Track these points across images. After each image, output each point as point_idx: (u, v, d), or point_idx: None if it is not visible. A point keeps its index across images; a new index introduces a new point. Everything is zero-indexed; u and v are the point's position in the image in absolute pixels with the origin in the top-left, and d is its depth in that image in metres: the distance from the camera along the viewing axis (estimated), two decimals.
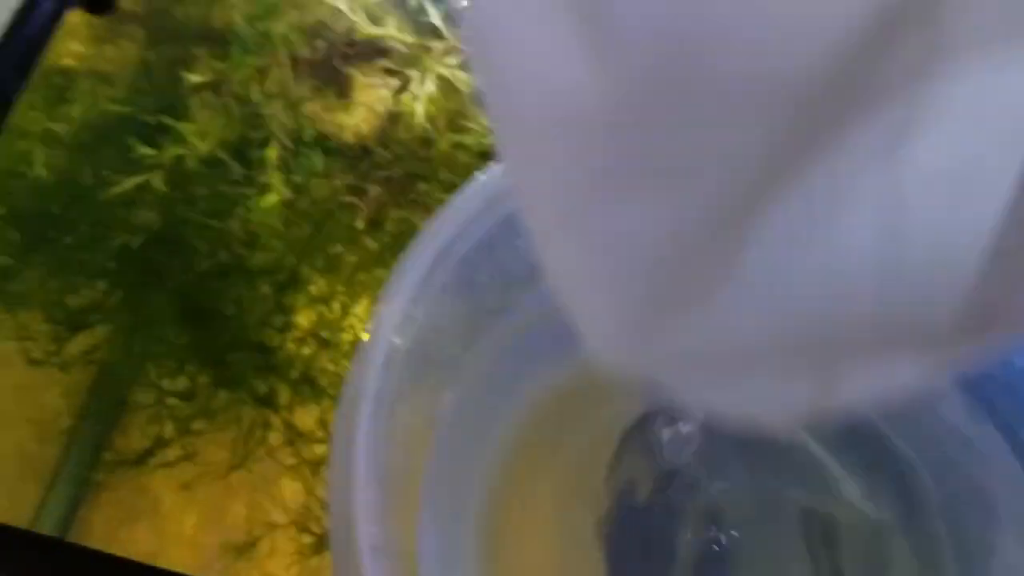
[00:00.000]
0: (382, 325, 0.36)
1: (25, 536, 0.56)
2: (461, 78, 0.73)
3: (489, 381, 0.46)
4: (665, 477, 0.46)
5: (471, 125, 0.75)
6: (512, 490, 0.46)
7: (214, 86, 0.80)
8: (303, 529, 0.69)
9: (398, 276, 0.37)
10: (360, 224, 0.77)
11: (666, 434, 0.44)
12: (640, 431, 0.47)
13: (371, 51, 0.81)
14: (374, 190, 0.75)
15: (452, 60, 0.74)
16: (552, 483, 0.47)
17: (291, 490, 0.71)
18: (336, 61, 0.81)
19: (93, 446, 0.86)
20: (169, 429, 0.74)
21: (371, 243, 0.76)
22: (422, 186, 0.77)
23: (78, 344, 0.73)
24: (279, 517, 0.71)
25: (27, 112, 0.74)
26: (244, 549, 0.70)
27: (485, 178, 0.39)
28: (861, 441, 0.49)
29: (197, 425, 0.74)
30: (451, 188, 0.74)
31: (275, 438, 0.72)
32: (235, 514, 0.83)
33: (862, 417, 0.48)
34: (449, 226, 0.38)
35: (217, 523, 0.84)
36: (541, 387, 0.48)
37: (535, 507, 0.46)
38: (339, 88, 0.81)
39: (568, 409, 0.49)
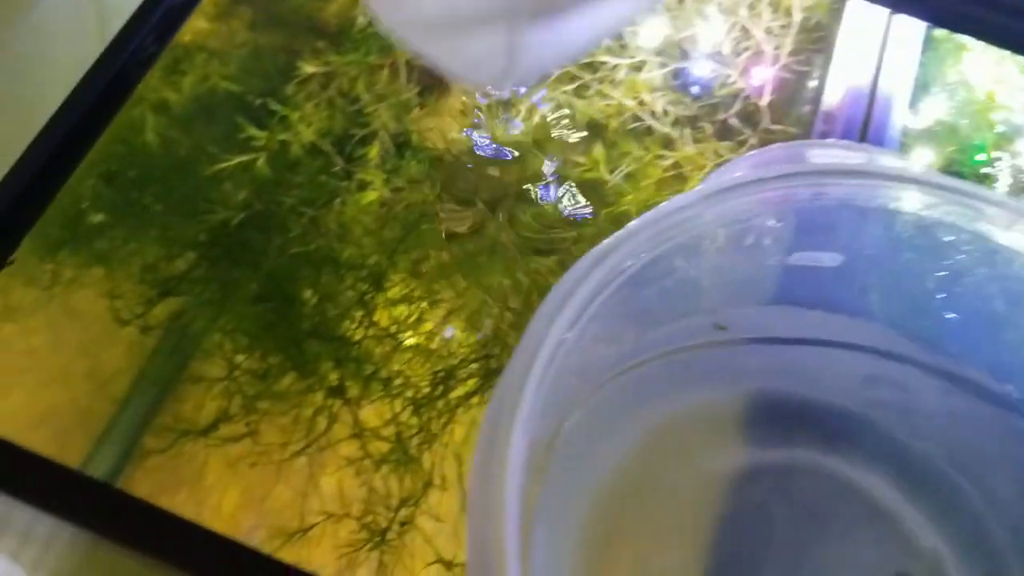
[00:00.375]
0: (540, 346, 0.37)
1: (77, 477, 0.56)
2: (577, 105, 0.75)
3: (608, 408, 0.47)
4: None
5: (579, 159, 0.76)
6: (615, 520, 0.47)
7: (323, 78, 0.81)
8: (361, 523, 0.70)
9: (559, 297, 0.38)
10: (445, 233, 0.78)
11: None
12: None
13: None
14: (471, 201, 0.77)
15: (568, 87, 0.75)
16: (652, 518, 0.48)
17: (349, 483, 0.72)
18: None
19: (148, 409, 0.87)
20: (235, 404, 0.75)
21: (456, 251, 0.78)
22: (511, 203, 0.78)
23: (162, 309, 0.74)
24: (334, 507, 0.71)
25: (144, 80, 0.75)
26: (293, 534, 0.71)
27: (650, 217, 0.40)
28: (933, 490, 0.50)
29: (263, 404, 0.75)
30: (540, 213, 0.76)
31: (341, 430, 0.73)
32: (278, 498, 0.84)
33: (934, 467, 0.50)
34: (611, 258, 0.39)
35: (259, 504, 0.85)
36: (651, 423, 0.49)
37: (634, 540, 0.48)
38: (445, 98, 0.83)
39: (675, 446, 0.50)
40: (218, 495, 0.84)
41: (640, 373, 0.50)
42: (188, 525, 0.59)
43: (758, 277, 0.47)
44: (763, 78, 0.74)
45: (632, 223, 0.41)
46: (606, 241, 0.40)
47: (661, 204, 0.40)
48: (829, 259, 0.47)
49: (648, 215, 0.40)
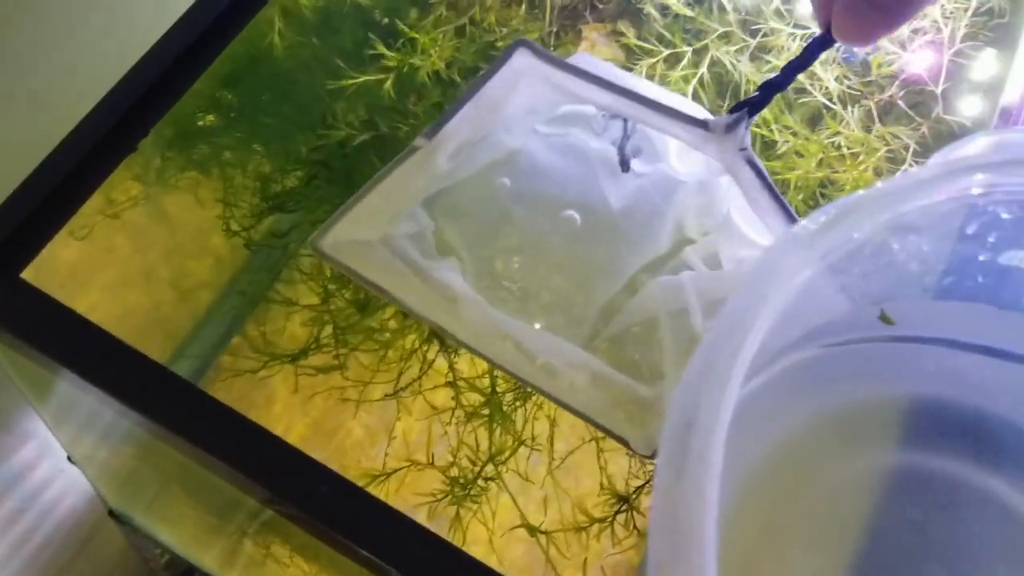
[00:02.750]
0: (755, 313, 0.33)
1: (162, 373, 0.53)
2: (741, 69, 0.70)
3: (765, 397, 0.43)
4: None
5: None
6: (762, 515, 0.44)
7: (453, 4, 0.77)
8: (445, 474, 0.66)
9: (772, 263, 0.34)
10: None
11: None
12: None
13: (623, 10, 0.78)
14: None
15: (730, 47, 0.70)
16: (801, 516, 0.44)
17: (436, 432, 0.69)
18: (587, 11, 0.78)
19: (229, 327, 0.85)
20: (325, 334, 0.72)
21: None
22: None
23: (269, 225, 0.70)
24: (417, 455, 0.68)
25: None
26: (376, 476, 0.68)
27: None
28: None
29: (355, 338, 0.71)
30: None
31: (434, 377, 0.70)
32: (351, 436, 0.81)
33: None
34: (840, 228, 0.35)
35: (329, 440, 0.82)
36: (809, 415, 0.45)
37: (781, 537, 0.44)
38: (580, 41, 0.78)
39: (831, 443, 0.46)
40: (285, 424, 0.81)
41: (807, 360, 0.45)
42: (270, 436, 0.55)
43: (964, 272, 0.43)
44: (935, 62, 0.68)
45: (857, 193, 0.36)
46: (830, 206, 0.36)
47: (898, 175, 0.36)
48: None
49: (880, 186, 0.36)
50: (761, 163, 0.49)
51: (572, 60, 0.58)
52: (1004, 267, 0.43)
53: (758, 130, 0.67)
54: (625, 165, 0.58)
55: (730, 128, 0.48)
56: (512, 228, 0.61)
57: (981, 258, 0.42)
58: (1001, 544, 0.46)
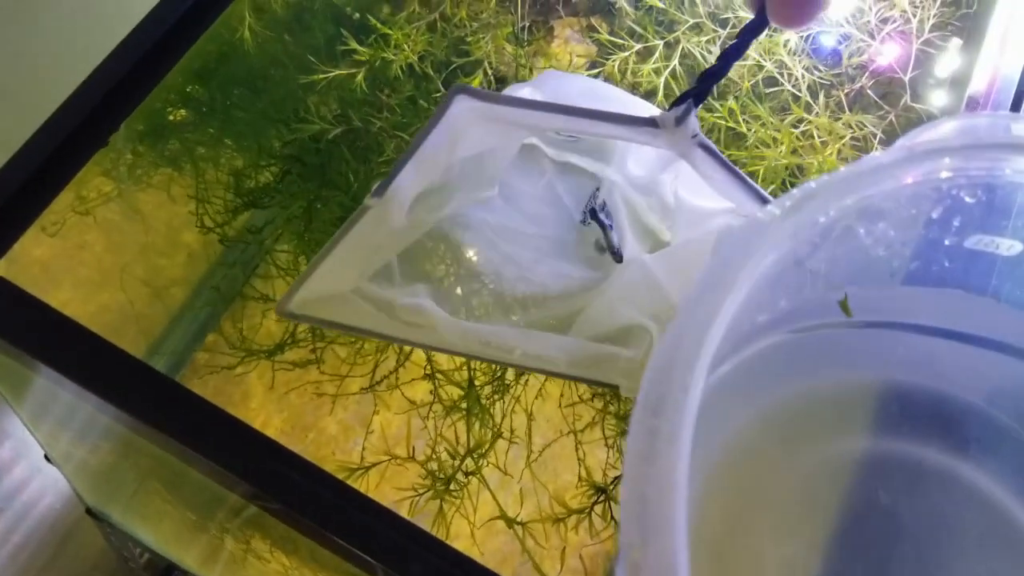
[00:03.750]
0: (722, 299, 0.33)
1: (140, 367, 0.53)
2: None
3: (734, 384, 0.44)
4: None
5: None
6: (731, 504, 0.44)
7: (427, 0, 0.77)
8: (425, 468, 0.66)
9: (737, 247, 0.34)
10: None
11: None
12: None
13: (595, 4, 0.78)
14: None
15: (699, 38, 0.71)
16: (772, 505, 0.44)
17: (415, 426, 0.69)
18: (559, 5, 0.78)
19: (203, 324, 0.84)
20: (302, 328, 0.71)
21: None
22: None
23: (244, 221, 0.70)
24: (397, 449, 0.68)
25: None
26: (355, 471, 0.68)
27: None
28: None
29: (332, 333, 0.71)
30: None
31: (414, 370, 0.70)
32: (326, 431, 0.81)
33: None
34: (801, 213, 0.35)
35: (304, 435, 0.82)
36: (775, 403, 0.46)
37: (753, 527, 0.44)
38: (552, 37, 0.78)
39: (799, 430, 0.46)
40: (262, 420, 0.81)
41: (775, 346, 0.46)
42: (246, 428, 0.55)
43: (931, 257, 0.43)
44: (903, 51, 0.69)
45: (821, 178, 0.36)
46: (795, 191, 0.36)
47: (861, 159, 0.36)
48: (1007, 246, 0.43)
49: (843, 170, 0.36)
50: (714, 145, 0.51)
51: (539, 78, 0.60)
52: (970, 251, 0.44)
53: (723, 121, 0.67)
54: (617, 256, 0.59)
55: (679, 120, 0.49)
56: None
57: (947, 242, 0.43)
58: (969, 526, 0.46)
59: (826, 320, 0.47)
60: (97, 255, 0.78)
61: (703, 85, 0.49)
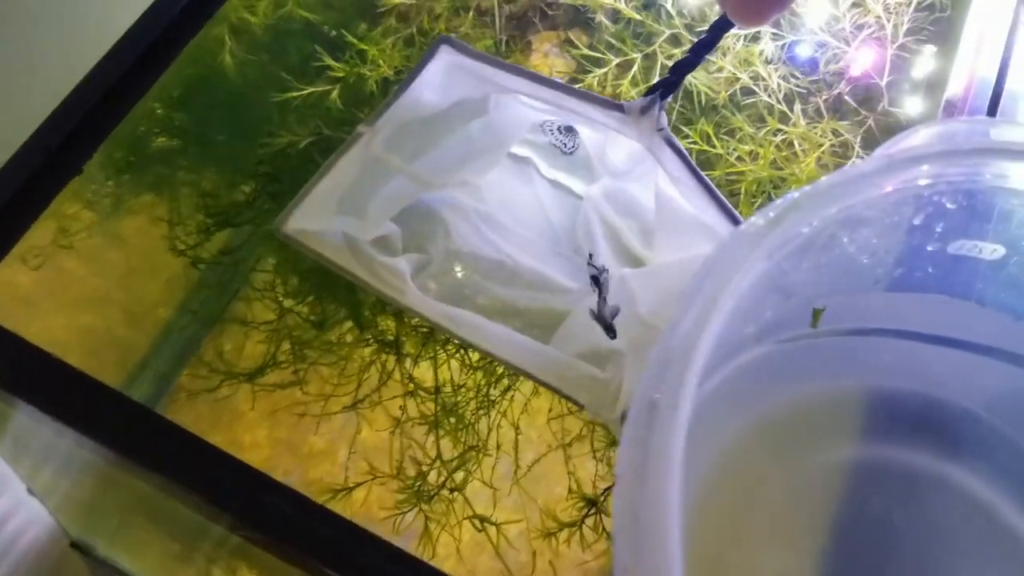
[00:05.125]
0: (711, 309, 0.33)
1: (118, 398, 0.52)
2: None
3: (723, 395, 0.43)
4: None
5: None
6: (723, 517, 0.44)
7: (403, 15, 0.77)
8: (408, 486, 0.66)
9: (726, 258, 0.34)
10: None
11: None
12: None
13: (573, 18, 0.78)
14: None
15: (675, 50, 0.70)
16: (763, 516, 0.44)
17: (398, 443, 0.68)
18: (536, 19, 0.78)
19: (186, 347, 0.83)
20: (283, 350, 0.71)
21: None
22: None
23: (218, 242, 0.69)
24: (381, 466, 0.68)
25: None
26: (339, 492, 0.67)
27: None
28: None
29: (312, 353, 0.71)
30: None
31: (393, 387, 0.69)
32: (315, 450, 0.80)
33: None
34: (785, 223, 0.35)
35: (293, 455, 0.81)
36: (763, 413, 0.46)
37: (745, 539, 0.44)
38: (529, 51, 0.78)
39: (787, 440, 0.46)
40: (251, 441, 0.80)
41: (762, 357, 0.46)
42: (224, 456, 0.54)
43: (914, 264, 0.43)
44: (880, 56, 0.69)
45: (803, 189, 0.36)
46: (778, 202, 0.36)
47: (843, 169, 0.36)
48: (989, 251, 0.43)
49: (825, 180, 0.36)
50: (680, 143, 0.51)
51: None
52: (954, 256, 0.43)
53: (695, 145, 0.68)
54: (611, 332, 0.56)
55: (645, 110, 0.50)
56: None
57: (930, 248, 0.43)
58: (964, 531, 0.46)
59: (811, 330, 0.47)
60: (79, 282, 0.77)
61: (673, 76, 0.49)
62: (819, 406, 0.48)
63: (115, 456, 0.53)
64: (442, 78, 0.57)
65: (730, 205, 0.52)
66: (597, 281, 0.57)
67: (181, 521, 0.69)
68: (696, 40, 0.48)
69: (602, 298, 0.56)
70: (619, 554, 0.30)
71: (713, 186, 0.52)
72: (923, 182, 0.38)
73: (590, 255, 0.60)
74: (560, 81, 0.53)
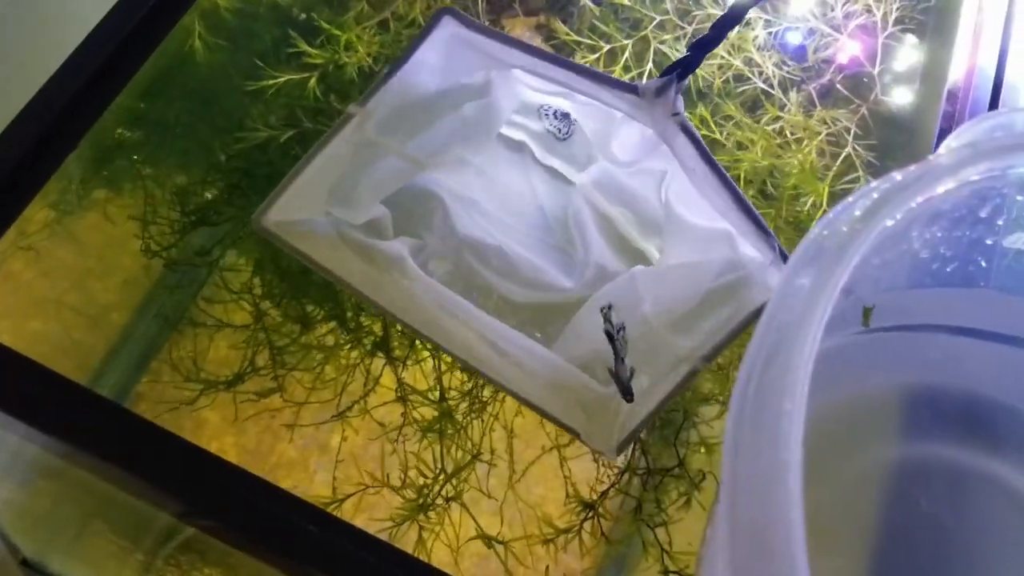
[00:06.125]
0: (815, 303, 0.31)
1: (86, 394, 0.49)
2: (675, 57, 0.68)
3: None
4: None
5: None
6: None
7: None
8: (401, 495, 0.62)
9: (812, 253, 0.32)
10: None
11: None
12: None
13: (554, 1, 0.75)
14: None
15: (667, 35, 0.68)
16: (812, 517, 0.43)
17: (389, 450, 0.65)
18: (516, 3, 0.75)
19: (145, 352, 0.78)
20: (260, 354, 0.67)
21: None
22: None
23: (191, 241, 0.65)
24: (372, 476, 0.64)
25: None
26: (329, 504, 0.63)
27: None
28: None
29: (291, 358, 0.67)
30: None
31: (382, 393, 0.66)
32: (286, 458, 0.76)
33: None
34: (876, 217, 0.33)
35: (262, 464, 0.77)
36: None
37: None
38: (512, 32, 0.75)
39: (834, 440, 0.44)
40: (216, 449, 0.76)
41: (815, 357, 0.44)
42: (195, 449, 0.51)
43: (968, 258, 0.42)
44: (870, 45, 0.68)
45: (883, 182, 0.35)
46: (859, 200, 0.34)
47: (924, 161, 0.34)
48: None
49: (908, 172, 0.34)
50: (696, 130, 0.48)
51: None
52: (1008, 250, 0.42)
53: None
54: (629, 395, 0.49)
55: (660, 92, 0.47)
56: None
57: (989, 241, 0.41)
58: (1011, 527, 0.45)
59: (858, 328, 0.46)
60: (31, 284, 0.72)
61: (694, 55, 0.46)
62: (865, 405, 0.46)
63: (76, 454, 0.49)
64: (442, 52, 0.52)
65: (745, 197, 0.50)
66: (612, 339, 0.51)
67: (144, 527, 0.65)
68: (722, 14, 0.46)
69: (619, 359, 0.50)
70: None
71: (728, 176, 0.49)
72: (997, 174, 0.37)
73: (609, 307, 0.53)
74: (571, 61, 0.50)
